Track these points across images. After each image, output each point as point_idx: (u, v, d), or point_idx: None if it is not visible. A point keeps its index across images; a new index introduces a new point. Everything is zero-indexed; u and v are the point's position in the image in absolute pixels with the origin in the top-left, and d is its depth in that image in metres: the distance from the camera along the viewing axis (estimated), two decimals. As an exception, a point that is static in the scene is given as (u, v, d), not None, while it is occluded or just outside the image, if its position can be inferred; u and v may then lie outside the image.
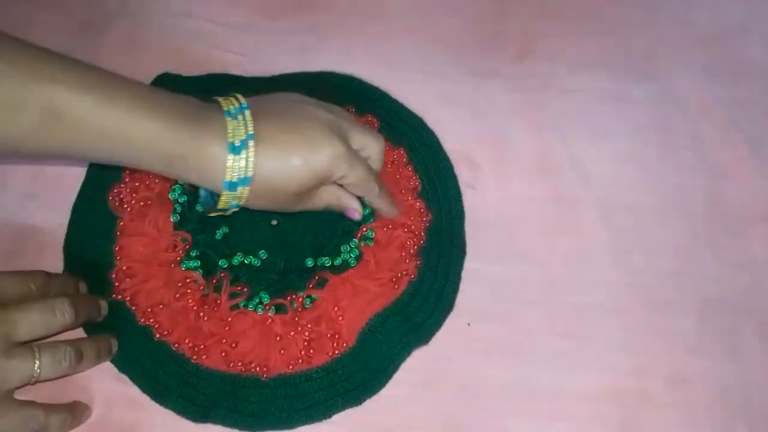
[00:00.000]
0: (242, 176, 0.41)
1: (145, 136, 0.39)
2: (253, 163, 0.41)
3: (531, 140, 0.56)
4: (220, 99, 0.43)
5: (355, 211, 0.48)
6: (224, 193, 0.42)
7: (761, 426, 0.46)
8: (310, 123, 0.43)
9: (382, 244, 0.49)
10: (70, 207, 0.50)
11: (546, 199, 0.54)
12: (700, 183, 0.55)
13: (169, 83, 0.55)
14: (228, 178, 0.41)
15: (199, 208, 0.48)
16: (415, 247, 0.49)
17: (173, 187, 0.50)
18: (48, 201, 0.51)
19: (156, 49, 0.58)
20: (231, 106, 0.42)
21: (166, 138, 0.40)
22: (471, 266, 0.50)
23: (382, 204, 0.48)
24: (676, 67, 0.61)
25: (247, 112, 0.42)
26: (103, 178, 0.51)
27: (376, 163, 0.48)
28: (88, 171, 0.51)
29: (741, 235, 0.53)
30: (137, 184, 0.50)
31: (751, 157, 0.57)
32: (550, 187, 0.54)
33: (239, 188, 0.42)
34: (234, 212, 0.47)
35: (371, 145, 0.47)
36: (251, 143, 0.41)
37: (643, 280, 0.51)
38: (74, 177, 0.51)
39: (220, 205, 0.43)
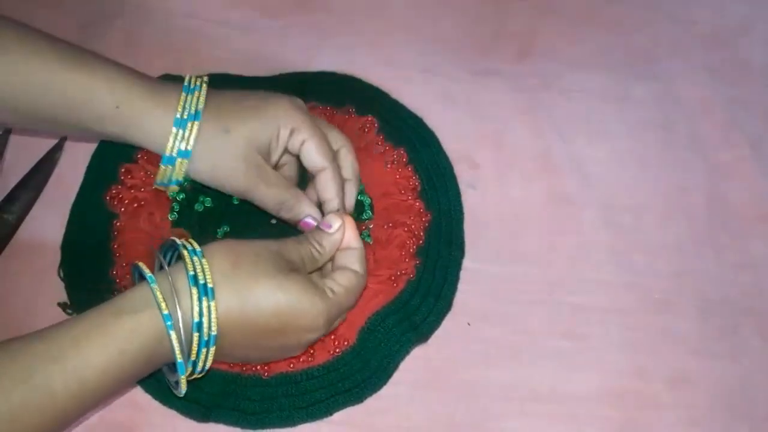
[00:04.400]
0: (182, 149, 0.43)
1: (108, 98, 0.43)
2: (194, 137, 0.43)
3: (531, 140, 0.56)
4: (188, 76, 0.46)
5: (309, 220, 0.46)
6: (160, 167, 0.45)
7: (763, 426, 0.46)
8: (270, 101, 0.45)
9: (382, 243, 0.49)
10: (69, 207, 0.50)
11: (546, 199, 0.54)
12: (700, 183, 0.55)
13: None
14: (168, 152, 0.44)
15: (197, 207, 0.49)
16: (414, 247, 0.49)
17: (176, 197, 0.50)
18: (47, 201, 0.51)
19: (156, 49, 0.58)
20: (192, 83, 0.45)
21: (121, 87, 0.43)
22: (471, 266, 0.50)
23: (336, 193, 0.46)
24: (676, 67, 0.61)
25: (204, 89, 0.44)
26: (101, 178, 0.51)
27: (345, 158, 0.48)
28: (87, 171, 0.51)
29: (742, 235, 0.53)
30: (136, 183, 0.50)
31: (752, 157, 0.56)
32: (550, 187, 0.54)
33: (177, 160, 0.44)
34: (233, 210, 0.48)
35: (337, 138, 0.47)
36: (195, 122, 0.43)
37: (643, 280, 0.51)
38: (73, 177, 0.51)
39: (158, 177, 0.46)
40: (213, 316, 0.37)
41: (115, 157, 0.51)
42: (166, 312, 0.36)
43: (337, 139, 0.48)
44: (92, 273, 0.47)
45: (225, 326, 0.38)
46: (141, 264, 0.39)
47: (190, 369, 0.39)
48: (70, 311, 0.46)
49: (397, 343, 0.46)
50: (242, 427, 0.44)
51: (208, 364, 0.39)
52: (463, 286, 0.49)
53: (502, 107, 0.58)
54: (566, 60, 0.60)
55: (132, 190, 0.49)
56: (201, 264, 0.38)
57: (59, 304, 0.46)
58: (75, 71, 0.43)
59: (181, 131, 0.44)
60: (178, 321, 0.37)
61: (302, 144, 0.45)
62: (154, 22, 0.60)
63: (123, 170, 0.50)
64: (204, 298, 0.37)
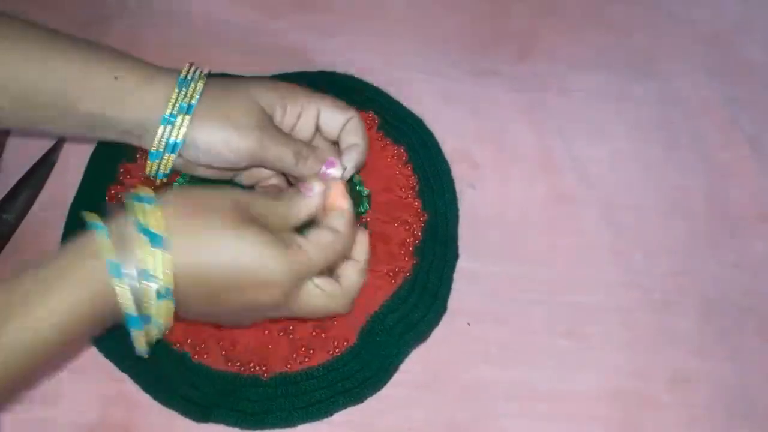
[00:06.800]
0: (172, 141, 0.42)
1: (106, 71, 0.42)
2: (184, 132, 0.42)
3: (531, 140, 0.56)
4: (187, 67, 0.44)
5: (333, 162, 0.45)
6: (149, 163, 0.44)
7: (763, 426, 0.46)
8: (242, 113, 0.43)
9: (381, 239, 0.49)
10: (68, 207, 0.50)
11: (546, 199, 0.54)
12: (700, 183, 0.55)
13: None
14: (154, 148, 0.43)
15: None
16: (412, 246, 0.49)
17: (171, 185, 0.50)
18: (46, 201, 0.51)
19: (156, 49, 0.58)
20: (188, 74, 0.44)
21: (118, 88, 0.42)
22: (471, 266, 0.50)
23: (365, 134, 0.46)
24: (676, 67, 0.61)
25: (200, 85, 0.43)
26: (100, 178, 0.51)
27: (354, 127, 0.46)
28: (86, 171, 0.51)
29: (742, 235, 0.53)
30: (135, 183, 0.50)
31: (752, 157, 0.57)
32: (550, 187, 0.54)
33: (167, 156, 0.43)
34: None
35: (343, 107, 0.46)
36: (187, 117, 0.42)
37: (643, 280, 0.51)
38: (72, 177, 0.51)
39: (147, 170, 0.45)
40: (164, 267, 0.35)
41: (115, 157, 0.51)
42: (111, 260, 0.34)
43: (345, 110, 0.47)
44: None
45: (180, 278, 0.35)
46: (87, 213, 0.36)
47: (149, 329, 0.36)
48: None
49: (396, 344, 0.46)
50: (241, 427, 0.44)
51: (166, 321, 0.37)
52: (463, 286, 0.49)
53: (502, 107, 0.58)
54: (566, 60, 0.60)
55: (131, 190, 0.49)
56: (153, 212, 0.35)
57: (59, 304, 0.46)
58: (73, 50, 0.43)
59: (184, 90, 0.43)
60: (125, 271, 0.34)
61: (318, 111, 0.45)
62: (155, 22, 0.60)
63: (122, 170, 0.50)
64: (157, 248, 0.34)
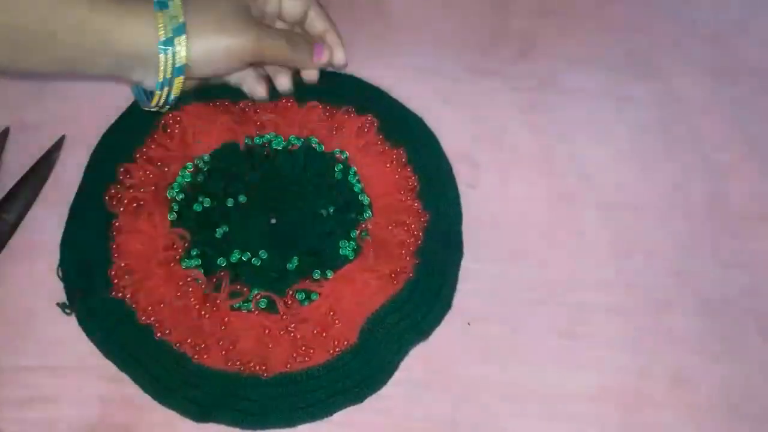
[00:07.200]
0: (177, 65, 0.43)
1: (92, 30, 0.41)
2: (184, 55, 0.43)
3: (531, 140, 0.56)
4: None
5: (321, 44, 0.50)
6: (156, 93, 0.45)
7: (763, 426, 0.46)
8: (232, 17, 0.44)
9: (381, 242, 0.49)
10: (68, 207, 0.50)
11: (546, 199, 0.54)
12: (700, 183, 0.55)
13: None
14: (161, 77, 0.43)
15: (196, 207, 0.49)
16: (414, 247, 0.49)
17: (171, 185, 0.50)
18: (46, 201, 0.51)
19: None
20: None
21: (109, 30, 0.41)
22: (471, 266, 0.50)
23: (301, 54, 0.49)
24: (676, 67, 0.61)
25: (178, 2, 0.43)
26: (100, 178, 0.50)
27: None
28: (85, 171, 0.51)
29: (741, 235, 0.53)
30: (135, 183, 0.50)
31: (752, 157, 0.57)
32: (550, 187, 0.54)
33: (176, 80, 0.44)
34: (232, 210, 0.48)
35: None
36: (183, 37, 0.43)
37: (643, 280, 0.51)
38: (72, 177, 0.51)
39: (155, 100, 0.45)
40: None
41: (114, 157, 0.51)
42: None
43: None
44: (91, 273, 0.47)
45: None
46: None
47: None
48: (69, 311, 0.46)
49: (396, 343, 0.46)
50: (242, 427, 0.44)
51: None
52: (463, 286, 0.49)
53: (502, 107, 0.58)
54: (566, 60, 0.60)
55: (131, 190, 0.49)
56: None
57: (58, 305, 0.46)
58: None
59: (166, 10, 0.43)
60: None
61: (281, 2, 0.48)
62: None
63: (122, 170, 0.50)
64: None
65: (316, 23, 0.50)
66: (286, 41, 0.47)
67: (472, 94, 0.58)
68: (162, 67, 0.43)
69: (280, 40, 0.47)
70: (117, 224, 0.49)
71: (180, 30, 0.42)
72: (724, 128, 0.58)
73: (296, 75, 0.52)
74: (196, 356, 0.45)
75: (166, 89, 0.44)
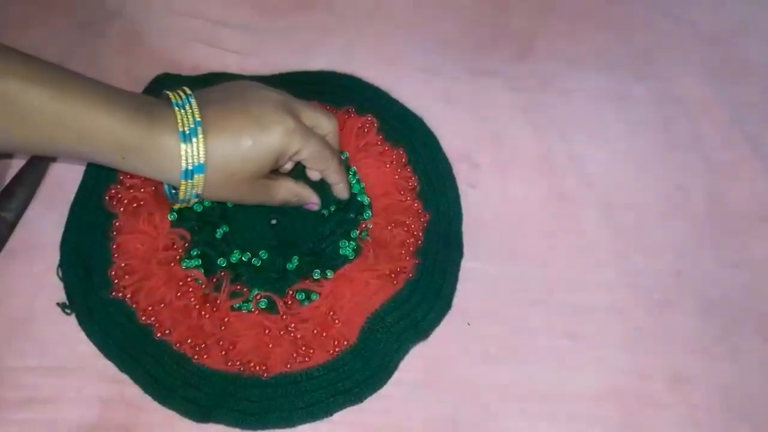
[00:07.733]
0: (196, 163, 0.42)
1: (99, 128, 0.40)
2: (203, 148, 0.42)
3: (531, 140, 0.56)
4: (169, 92, 0.44)
5: (314, 204, 0.49)
6: (181, 183, 0.43)
7: (763, 426, 0.46)
8: (258, 104, 0.44)
9: (381, 242, 0.49)
10: (68, 207, 0.50)
11: (546, 199, 0.54)
12: (700, 183, 0.55)
13: (168, 83, 0.55)
14: (183, 166, 0.42)
15: (196, 207, 0.49)
16: (414, 247, 0.49)
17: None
18: (46, 201, 0.51)
19: (155, 49, 0.58)
20: (178, 98, 0.43)
21: (121, 130, 0.41)
22: (471, 266, 0.50)
23: (341, 179, 0.49)
24: (676, 67, 0.61)
25: (193, 101, 0.43)
26: (100, 178, 0.50)
27: (332, 140, 0.48)
28: (85, 171, 0.51)
29: (741, 235, 0.53)
30: (134, 183, 0.50)
31: (752, 157, 0.57)
32: (550, 187, 0.54)
33: (195, 176, 0.43)
34: (232, 210, 0.48)
35: (324, 124, 0.47)
36: (200, 129, 0.42)
37: (643, 280, 0.51)
38: (72, 177, 0.51)
39: (180, 195, 0.44)
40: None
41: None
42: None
43: (326, 126, 0.48)
44: (91, 273, 0.47)
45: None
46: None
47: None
48: (69, 311, 0.46)
49: (396, 342, 0.46)
50: (242, 427, 0.44)
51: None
52: (463, 286, 0.49)
53: (502, 107, 0.58)
54: (566, 60, 0.60)
55: (131, 190, 0.49)
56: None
57: (58, 305, 0.46)
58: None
59: (189, 146, 0.42)
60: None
61: (302, 158, 0.46)
62: (154, 22, 0.60)
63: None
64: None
65: (331, 178, 0.49)
66: (294, 191, 0.48)
67: (472, 94, 0.58)
68: (183, 162, 0.43)
69: (290, 187, 0.48)
70: (117, 224, 0.49)
71: (197, 123, 0.42)
72: (724, 128, 0.58)
73: None
74: (196, 356, 0.45)
75: (189, 183, 0.44)
